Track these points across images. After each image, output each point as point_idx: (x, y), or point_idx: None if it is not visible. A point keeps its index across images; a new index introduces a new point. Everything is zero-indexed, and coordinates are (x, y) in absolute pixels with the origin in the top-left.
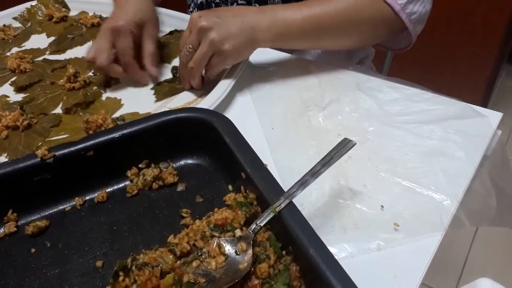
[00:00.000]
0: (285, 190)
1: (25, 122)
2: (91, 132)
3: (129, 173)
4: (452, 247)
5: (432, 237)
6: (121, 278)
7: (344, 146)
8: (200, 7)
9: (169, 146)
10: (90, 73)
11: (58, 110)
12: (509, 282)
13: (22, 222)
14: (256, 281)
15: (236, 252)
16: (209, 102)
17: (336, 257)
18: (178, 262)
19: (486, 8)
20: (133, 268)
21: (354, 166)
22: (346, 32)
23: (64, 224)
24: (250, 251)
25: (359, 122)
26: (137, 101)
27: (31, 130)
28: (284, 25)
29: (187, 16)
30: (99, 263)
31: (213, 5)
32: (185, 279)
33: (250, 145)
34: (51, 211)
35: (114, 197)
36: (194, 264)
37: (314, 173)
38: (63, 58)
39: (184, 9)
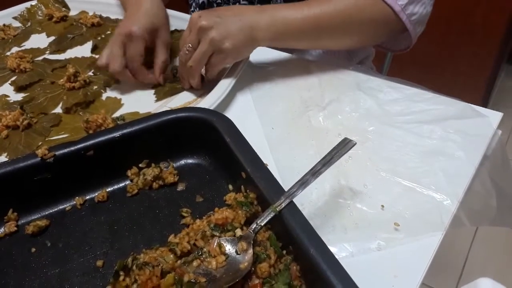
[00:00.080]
0: (286, 189)
1: (25, 122)
2: (91, 131)
3: (129, 173)
4: (452, 247)
5: (433, 236)
6: (121, 278)
7: (345, 145)
8: (202, 7)
9: (170, 146)
10: (90, 73)
11: (58, 109)
12: (509, 282)
13: (22, 221)
14: (256, 281)
15: (236, 251)
16: (210, 101)
17: (336, 256)
18: (179, 261)
19: (486, 8)
20: (134, 267)
21: (355, 165)
22: (346, 32)
23: (65, 223)
24: (250, 251)
25: (359, 122)
26: (137, 101)
27: (31, 129)
28: (284, 24)
29: (187, 16)
30: (99, 263)
31: (215, 5)
32: (186, 278)
33: (251, 144)
34: (51, 211)
35: (114, 197)
36: (195, 263)
37: (314, 172)
38: (63, 58)
39: (184, 9)
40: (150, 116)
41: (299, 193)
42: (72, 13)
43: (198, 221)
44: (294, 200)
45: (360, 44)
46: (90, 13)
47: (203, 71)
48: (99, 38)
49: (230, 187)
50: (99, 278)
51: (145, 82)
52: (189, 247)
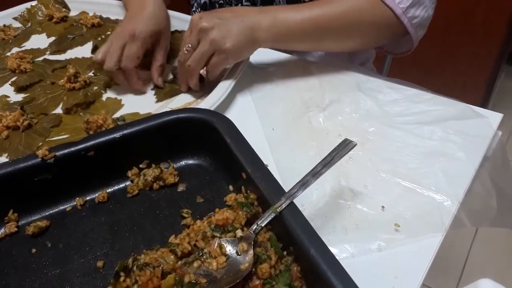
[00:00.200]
0: (286, 190)
1: (26, 122)
2: (91, 132)
3: (129, 173)
4: (453, 248)
5: (433, 237)
6: (122, 279)
7: (345, 146)
8: (204, 7)
9: (170, 147)
10: (91, 73)
11: (59, 110)
12: (509, 283)
13: (22, 222)
14: (257, 282)
15: (237, 252)
16: (210, 102)
17: (337, 257)
18: (179, 262)
19: (486, 8)
20: (134, 268)
21: (355, 166)
22: (347, 34)
23: (65, 224)
24: (251, 252)
25: (360, 123)
26: (137, 102)
27: (31, 130)
28: (284, 25)
29: (187, 17)
30: (100, 263)
31: (217, 5)
32: (186, 279)
33: (251, 145)
34: (51, 211)
35: (114, 197)
36: (195, 264)
37: (315, 173)
38: (63, 58)
39: (184, 9)
40: (150, 117)
41: (300, 194)
42: (72, 13)
43: (198, 221)
44: (295, 201)
45: (361, 46)
46: (90, 14)
47: (203, 72)
48: (99, 39)
49: (231, 187)
50: (100, 279)
51: (133, 87)
52: (190, 248)
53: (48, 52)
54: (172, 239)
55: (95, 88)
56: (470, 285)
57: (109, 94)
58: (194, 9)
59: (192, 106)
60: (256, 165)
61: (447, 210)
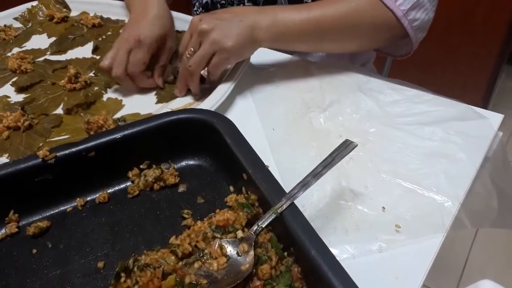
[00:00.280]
0: (287, 191)
1: (26, 123)
2: (92, 132)
3: (130, 174)
4: (453, 248)
5: (434, 238)
6: (122, 279)
7: (346, 147)
8: (205, 7)
9: (171, 147)
10: (91, 74)
11: (59, 110)
12: (510, 284)
13: (23, 222)
14: (258, 283)
15: (237, 253)
16: (211, 103)
17: (337, 258)
18: (180, 263)
19: (487, 8)
20: (135, 269)
21: (356, 167)
22: (347, 35)
23: (66, 224)
24: (251, 253)
25: (360, 124)
26: (138, 102)
27: (32, 130)
28: (284, 25)
29: (188, 17)
30: (100, 264)
31: (219, 5)
32: (187, 280)
33: (251, 146)
34: (52, 212)
35: (115, 198)
36: (196, 265)
37: (315, 174)
38: (64, 59)
39: (184, 9)
40: (151, 118)
41: (300, 195)
42: (73, 13)
43: (199, 222)
44: (295, 201)
45: (361, 48)
46: (91, 14)
47: (204, 73)
48: (100, 39)
49: (231, 188)
50: (100, 280)
51: (142, 86)
52: (190, 249)
53: (48, 53)
54: (172, 239)
55: (96, 88)
56: (470, 286)
57: (109, 95)
58: (195, 9)
59: (192, 106)
60: (256, 165)
61: (448, 211)
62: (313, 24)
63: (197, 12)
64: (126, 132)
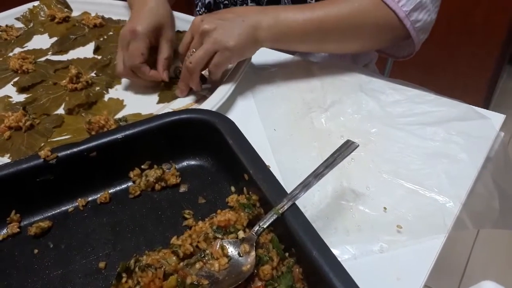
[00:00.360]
0: (288, 191)
1: (28, 123)
2: (93, 133)
3: (131, 174)
4: (454, 249)
5: (435, 239)
6: (124, 280)
7: (347, 148)
8: (208, 7)
9: (172, 147)
10: (93, 74)
11: (61, 110)
12: (511, 284)
13: (25, 223)
14: (259, 283)
15: (239, 254)
16: (212, 103)
17: (339, 259)
18: (181, 263)
19: (488, 8)
20: (136, 269)
21: (357, 167)
22: (349, 36)
23: (67, 225)
24: (253, 253)
25: (362, 124)
26: (139, 102)
27: (33, 130)
28: (286, 25)
29: (190, 17)
30: (101, 264)
31: (222, 5)
32: (188, 280)
33: (253, 146)
34: (54, 212)
35: (116, 198)
36: (197, 265)
37: (317, 174)
38: (65, 59)
39: (185, 9)
40: (152, 118)
41: (302, 195)
42: (75, 14)
43: (200, 223)
44: (297, 202)
45: (363, 48)
46: (93, 14)
47: (205, 73)
48: (101, 39)
49: (233, 188)
50: (102, 280)
51: (148, 80)
52: (192, 249)
53: (50, 53)
54: (174, 240)
55: (97, 88)
56: (472, 287)
57: (111, 95)
58: (198, 9)
59: (194, 107)
60: (258, 166)
61: (449, 211)
62: (316, 24)
63: (200, 12)
64: (127, 132)
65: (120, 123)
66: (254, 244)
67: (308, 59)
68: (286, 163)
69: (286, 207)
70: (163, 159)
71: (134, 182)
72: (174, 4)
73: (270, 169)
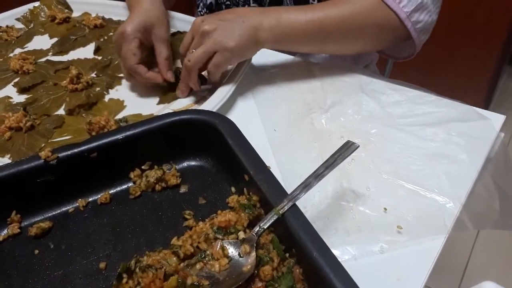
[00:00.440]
0: (288, 192)
1: (28, 123)
2: (93, 133)
3: (132, 175)
4: (454, 250)
5: (435, 239)
6: (124, 280)
7: (347, 148)
8: (210, 7)
9: (172, 148)
10: (93, 74)
11: (61, 111)
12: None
13: (25, 223)
14: (259, 284)
15: (239, 254)
16: (212, 104)
17: (339, 259)
18: (182, 264)
19: (488, 9)
20: (137, 270)
21: (357, 168)
22: (350, 37)
23: (67, 225)
24: (253, 254)
25: (362, 124)
26: (140, 103)
27: (34, 131)
28: (287, 26)
29: (191, 18)
30: (102, 265)
31: (223, 6)
32: (189, 281)
33: (253, 147)
34: (54, 213)
35: (117, 199)
36: (198, 266)
37: (317, 175)
38: (66, 59)
39: (186, 10)
40: (153, 118)
41: (302, 196)
42: (75, 14)
43: (201, 223)
44: (297, 203)
45: (364, 49)
46: (93, 15)
47: (206, 73)
48: (101, 40)
49: (233, 189)
50: (102, 280)
51: (146, 81)
52: (192, 250)
53: (50, 53)
54: (174, 240)
55: (98, 89)
56: None
57: (111, 95)
58: (200, 9)
59: (194, 107)
60: (258, 166)
61: (450, 212)
62: (317, 25)
63: (201, 13)
64: (128, 133)
65: (121, 124)
66: (255, 245)
67: (309, 60)
68: (286, 164)
69: (286, 207)
70: (163, 159)
71: (134, 182)
72: (175, 4)
73: (271, 169)
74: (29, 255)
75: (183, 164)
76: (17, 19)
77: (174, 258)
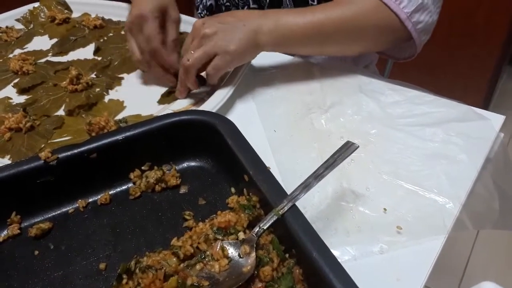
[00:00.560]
0: (288, 193)
1: (28, 124)
2: (93, 134)
3: (132, 176)
4: (454, 250)
5: (435, 240)
6: (124, 281)
7: (347, 149)
8: (210, 9)
9: (172, 149)
10: (93, 75)
11: (61, 112)
12: (511, 285)
13: (25, 224)
14: (259, 284)
15: (239, 255)
16: (212, 104)
17: (339, 260)
18: (182, 265)
19: (488, 9)
20: (137, 270)
21: (357, 168)
22: (351, 39)
23: (67, 226)
24: (253, 254)
25: (362, 125)
26: (140, 103)
27: (34, 132)
28: (287, 29)
29: (190, 19)
30: (102, 266)
31: (223, 7)
32: (189, 282)
33: (253, 147)
34: (54, 213)
35: (117, 199)
36: (198, 267)
37: (317, 176)
38: (65, 60)
39: (186, 11)
40: (153, 119)
41: (302, 197)
42: (75, 15)
43: (201, 224)
44: (297, 203)
45: (364, 51)
46: (93, 15)
47: (205, 74)
48: (101, 40)
49: (233, 190)
50: (102, 281)
51: (164, 67)
52: (192, 251)
53: (50, 54)
54: (174, 241)
55: (97, 89)
56: None
57: (111, 96)
58: (199, 11)
59: (194, 108)
60: (258, 167)
61: (449, 212)
62: (317, 27)
63: (201, 15)
64: (127, 134)
65: (121, 124)
66: (255, 245)
67: (308, 60)
68: (286, 164)
69: (286, 208)
70: (163, 160)
71: (134, 183)
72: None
73: (270, 170)
74: (29, 256)
75: (183, 164)
76: (17, 20)
77: (174, 259)
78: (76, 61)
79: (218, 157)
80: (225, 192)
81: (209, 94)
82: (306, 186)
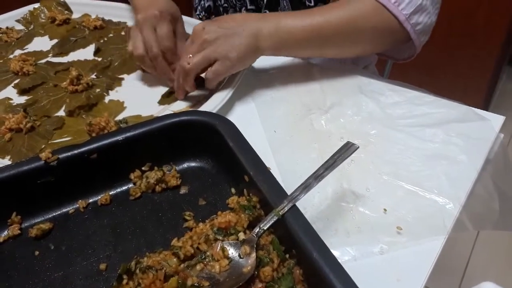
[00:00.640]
0: (288, 193)
1: (28, 125)
2: (94, 134)
3: (132, 176)
4: (454, 250)
5: (435, 240)
6: (124, 281)
7: (347, 149)
8: (208, 10)
9: (172, 149)
10: (93, 76)
11: (61, 112)
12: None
13: (26, 224)
14: (259, 285)
15: (239, 255)
16: (212, 105)
17: (339, 260)
18: (182, 265)
19: (488, 9)
20: (137, 271)
21: (357, 169)
22: (350, 41)
23: (68, 226)
24: (253, 255)
25: (362, 125)
26: (140, 104)
27: (34, 132)
28: (286, 32)
29: (189, 19)
30: (102, 266)
31: (221, 9)
32: (189, 282)
33: (253, 148)
34: (54, 214)
35: (117, 200)
36: (198, 267)
37: (317, 176)
38: (66, 61)
39: (185, 12)
40: (153, 119)
41: (302, 197)
42: (75, 16)
43: (201, 224)
44: (297, 203)
45: (364, 53)
46: (93, 16)
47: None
48: (101, 41)
49: (233, 190)
50: (102, 282)
51: (172, 68)
52: (192, 251)
53: (50, 55)
54: (174, 242)
55: (98, 90)
56: None
57: (111, 97)
58: (198, 13)
59: (194, 109)
60: (258, 168)
61: (449, 213)
62: (316, 30)
63: (200, 16)
64: (128, 134)
65: (121, 125)
66: (255, 246)
67: (308, 61)
68: (286, 165)
69: (286, 208)
70: (163, 160)
71: (134, 183)
72: None
73: (271, 170)
74: (29, 256)
75: (183, 165)
76: (17, 21)
77: (174, 259)
78: (77, 61)
79: (219, 158)
80: (225, 193)
81: (210, 94)
82: (306, 186)
